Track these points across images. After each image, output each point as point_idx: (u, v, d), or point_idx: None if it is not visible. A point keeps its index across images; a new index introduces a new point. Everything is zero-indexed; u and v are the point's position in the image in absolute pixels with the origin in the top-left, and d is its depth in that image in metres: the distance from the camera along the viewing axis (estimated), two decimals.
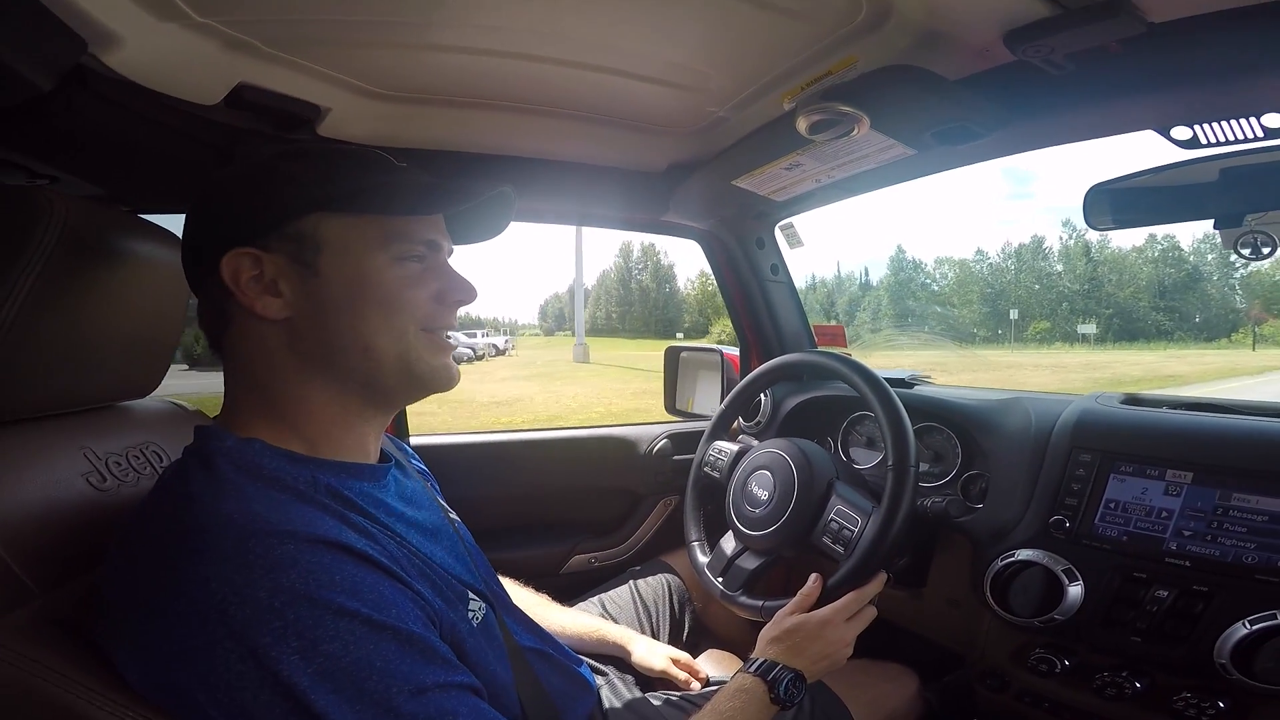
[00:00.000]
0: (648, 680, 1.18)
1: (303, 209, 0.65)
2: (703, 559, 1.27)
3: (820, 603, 0.98)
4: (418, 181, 0.70)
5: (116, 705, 0.52)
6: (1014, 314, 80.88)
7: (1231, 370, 29.06)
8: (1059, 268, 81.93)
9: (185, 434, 0.66)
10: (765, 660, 0.90)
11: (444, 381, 0.73)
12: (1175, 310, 74.02)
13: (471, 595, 0.73)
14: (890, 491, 0.99)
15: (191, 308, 0.74)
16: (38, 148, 0.92)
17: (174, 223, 0.79)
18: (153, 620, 0.52)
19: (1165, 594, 0.90)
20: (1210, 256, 73.66)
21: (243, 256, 0.64)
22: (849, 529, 1.04)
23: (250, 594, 0.50)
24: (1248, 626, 0.82)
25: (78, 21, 0.73)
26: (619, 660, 1.18)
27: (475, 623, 0.71)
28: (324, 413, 0.68)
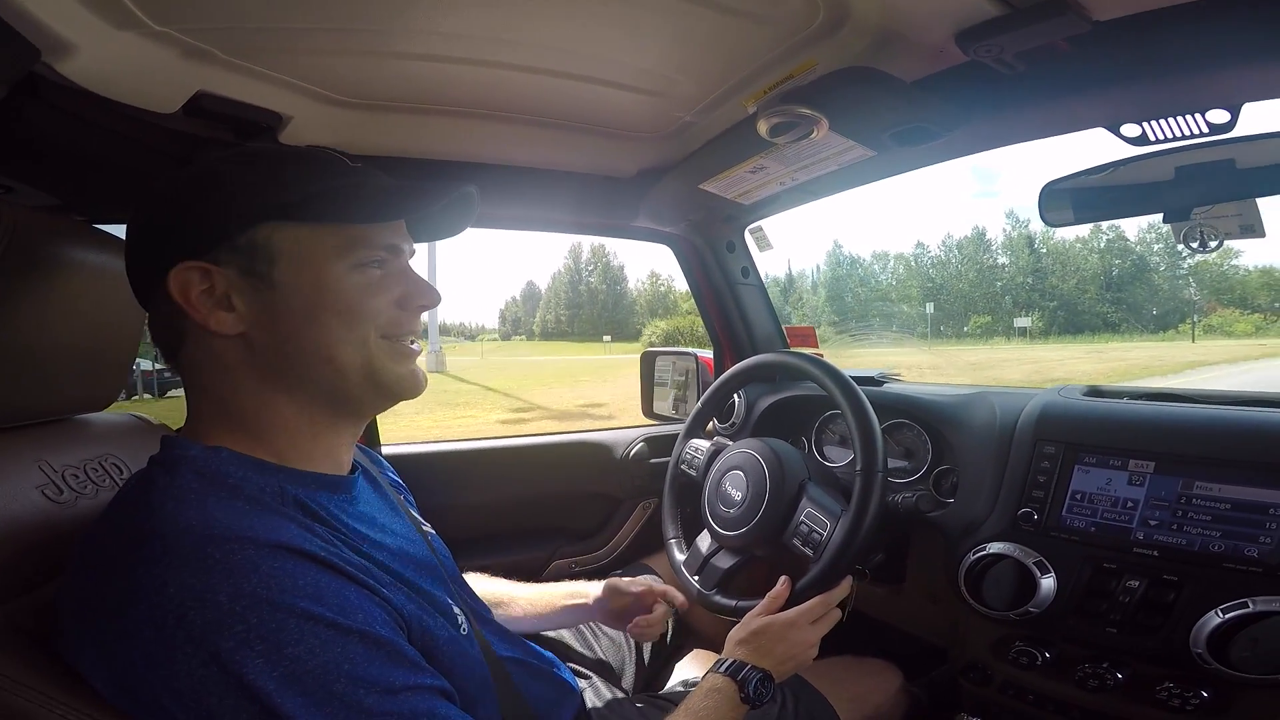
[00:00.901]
0: (634, 684, 1.19)
1: (253, 219, 0.63)
2: (679, 556, 1.28)
3: (788, 604, 0.99)
4: (376, 185, 0.68)
5: (79, 714, 0.51)
6: (930, 308, 78.61)
7: (1146, 369, 27.22)
8: (1003, 260, 79.46)
9: (146, 446, 0.65)
10: (734, 660, 0.90)
11: (410, 389, 0.71)
12: (1123, 302, 72.00)
13: (455, 609, 0.73)
14: (858, 495, 1.00)
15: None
16: None
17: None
18: (113, 627, 0.51)
19: (1136, 584, 0.91)
20: (1157, 247, 72.24)
21: (191, 271, 0.61)
22: (818, 532, 1.05)
23: (210, 598, 0.49)
24: (1220, 616, 0.83)
25: (30, 30, 0.71)
26: (602, 666, 1.18)
27: (464, 632, 0.71)
28: (290, 424, 0.66)
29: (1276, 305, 65.77)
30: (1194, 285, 70.64)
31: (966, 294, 78.58)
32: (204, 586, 0.50)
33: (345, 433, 0.72)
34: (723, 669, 0.89)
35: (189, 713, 0.49)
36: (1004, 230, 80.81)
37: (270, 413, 0.66)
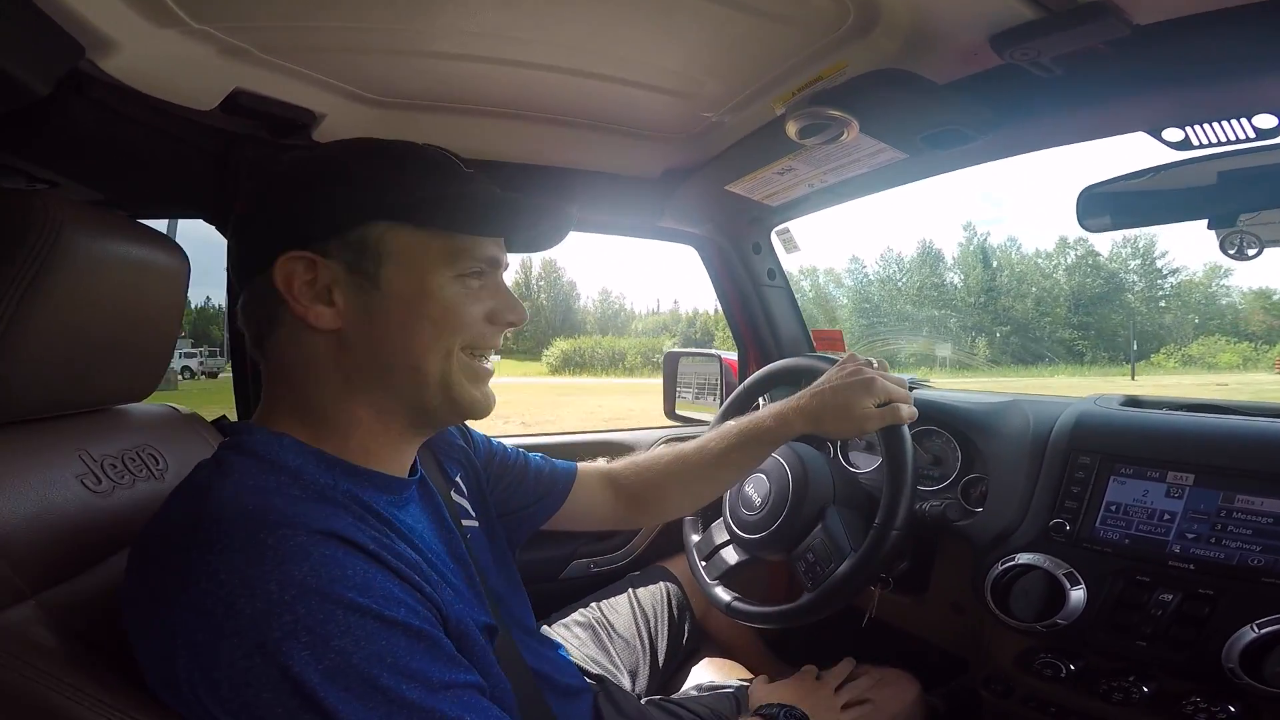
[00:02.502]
0: (647, 687, 1.19)
1: (369, 216, 0.63)
2: (694, 537, 1.32)
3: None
4: (489, 195, 0.68)
5: (106, 707, 0.52)
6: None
7: None
8: (953, 278, 62.69)
9: (182, 437, 0.66)
10: (762, 706, 0.98)
11: (481, 410, 0.71)
12: (1091, 327, 56.79)
13: (481, 617, 0.72)
14: (868, 546, 1.01)
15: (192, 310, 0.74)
16: (36, 152, 0.93)
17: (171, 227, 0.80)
18: (160, 613, 0.51)
19: (1170, 597, 0.89)
20: (1134, 264, 57.52)
21: (298, 260, 0.61)
22: (822, 565, 1.07)
23: (260, 587, 0.49)
24: (1256, 630, 0.81)
25: (75, 27, 0.73)
26: (616, 667, 1.19)
27: (487, 638, 0.70)
28: (362, 425, 0.66)
29: (1254, 333, 52.82)
30: (1174, 309, 56.93)
31: (909, 315, 62.65)
32: (255, 573, 0.49)
33: (414, 440, 0.72)
34: (749, 714, 0.98)
35: (226, 704, 0.48)
36: (959, 244, 64.32)
37: (346, 412, 0.65)
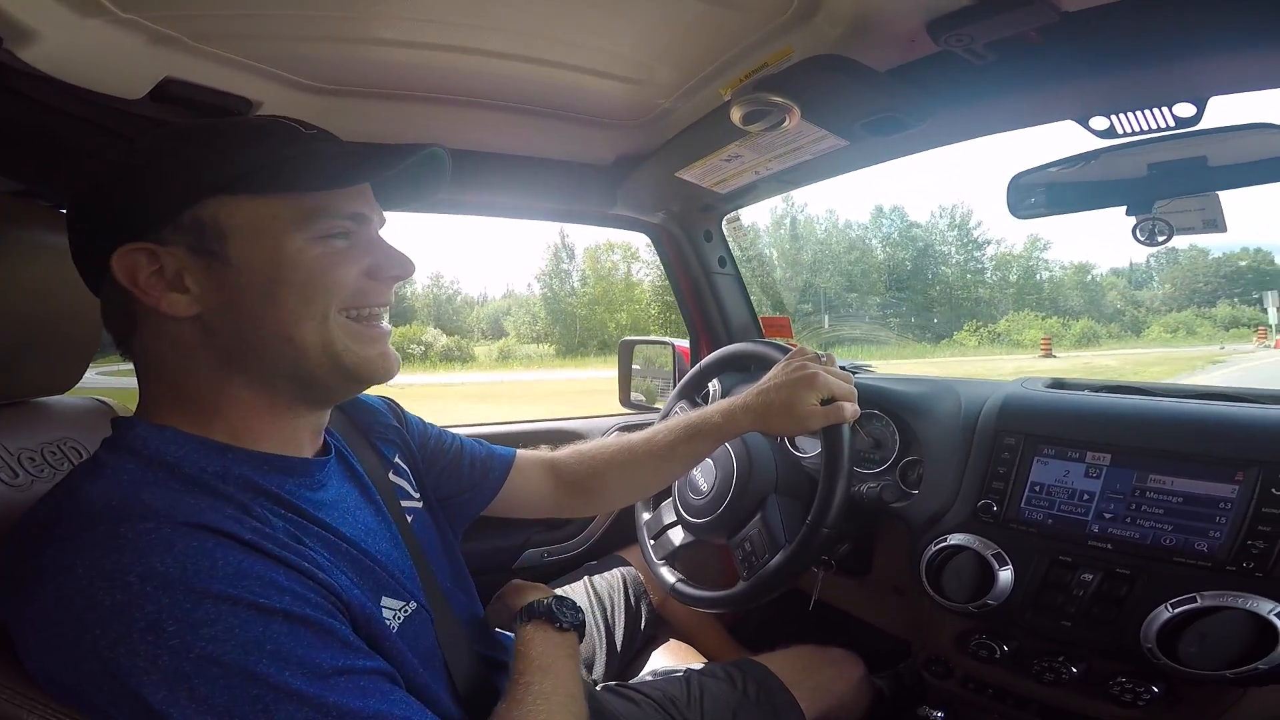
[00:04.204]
0: (604, 674, 1.21)
1: (195, 195, 0.60)
2: (645, 515, 1.35)
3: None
4: (329, 151, 0.65)
5: (29, 700, 0.52)
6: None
7: None
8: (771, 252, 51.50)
9: (107, 430, 0.65)
10: (522, 607, 0.85)
11: (379, 372, 0.68)
12: (902, 304, 50.30)
13: (398, 599, 0.70)
14: (797, 544, 1.03)
15: None
16: None
17: None
18: (23, 609, 0.50)
19: (1090, 577, 0.92)
20: (951, 234, 50.52)
21: (136, 253, 0.59)
22: (757, 556, 1.11)
23: (120, 579, 0.48)
24: (1170, 610, 0.82)
25: None
26: None
27: (394, 626, 0.67)
28: (246, 405, 0.64)
29: (1074, 310, 48.36)
30: (991, 283, 51.22)
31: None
32: (113, 566, 0.48)
33: (306, 416, 0.70)
34: (521, 621, 0.83)
35: (103, 695, 0.48)
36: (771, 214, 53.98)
37: (226, 394, 0.63)
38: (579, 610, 0.87)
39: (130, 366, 0.65)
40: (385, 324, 0.70)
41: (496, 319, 49.85)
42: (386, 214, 0.73)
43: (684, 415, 1.08)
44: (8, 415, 0.77)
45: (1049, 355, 36.31)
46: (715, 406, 1.05)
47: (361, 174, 0.65)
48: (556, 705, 0.70)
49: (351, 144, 0.67)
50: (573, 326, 44.48)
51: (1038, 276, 51.60)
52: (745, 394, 1.02)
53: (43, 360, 0.80)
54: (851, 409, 0.99)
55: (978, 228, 50.85)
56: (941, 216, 51.04)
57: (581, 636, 0.85)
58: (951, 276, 51.01)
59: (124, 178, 0.61)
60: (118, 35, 0.81)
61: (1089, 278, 51.60)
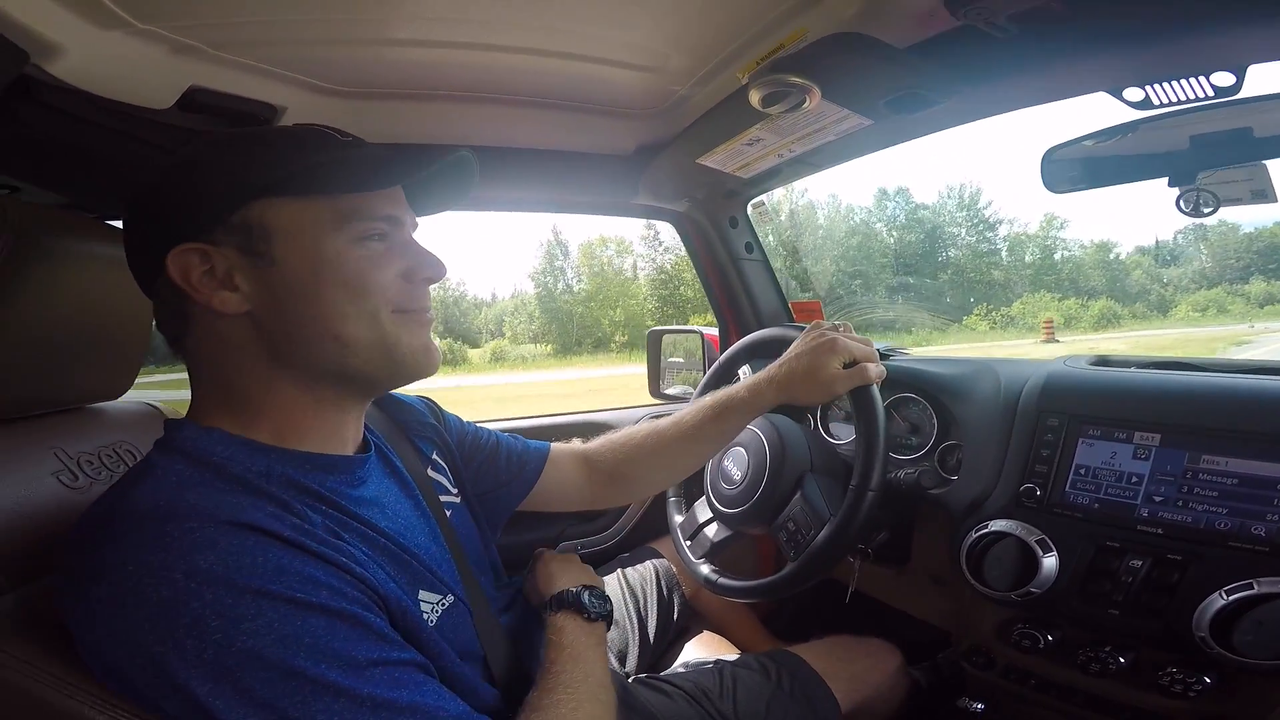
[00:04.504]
0: (637, 666, 1.21)
1: (244, 197, 0.63)
2: (677, 518, 1.32)
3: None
4: (364, 155, 0.68)
5: (85, 694, 0.54)
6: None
7: None
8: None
9: (158, 432, 0.67)
10: (553, 596, 0.86)
11: (427, 365, 0.71)
12: (912, 289, 46.90)
13: (436, 593, 0.72)
14: (845, 509, 1.00)
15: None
16: None
17: None
18: (82, 606, 0.53)
19: (1139, 564, 0.88)
20: (960, 214, 47.44)
21: (189, 253, 0.62)
22: (803, 533, 1.07)
23: (166, 575, 0.50)
24: (1224, 597, 0.80)
25: (16, 33, 0.73)
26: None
27: (431, 619, 0.69)
28: (292, 403, 0.67)
29: (1095, 290, 44.54)
30: (1005, 264, 48.22)
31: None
32: (161, 563, 0.51)
33: (353, 410, 0.73)
34: (550, 611, 0.85)
35: (153, 688, 0.51)
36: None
37: (273, 392, 0.66)
38: (607, 599, 0.88)
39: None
40: (430, 313, 0.73)
41: (502, 320, 49.61)
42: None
43: (710, 395, 1.08)
44: (66, 421, 0.80)
45: (1051, 340, 33.12)
46: (741, 384, 1.05)
47: (392, 175, 0.67)
48: (585, 694, 0.72)
49: (383, 148, 0.69)
50: (569, 325, 43.43)
51: (1056, 256, 48.93)
52: (769, 368, 1.04)
53: (96, 367, 0.83)
54: (876, 369, 1.01)
55: (988, 207, 48.54)
56: (950, 197, 48.51)
57: (609, 625, 0.87)
58: (962, 259, 48.77)
59: (177, 182, 0.64)
60: (139, 47, 0.83)
61: (1111, 256, 48.53)
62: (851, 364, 1.00)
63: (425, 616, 0.67)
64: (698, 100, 1.19)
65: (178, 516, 0.53)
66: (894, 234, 49.68)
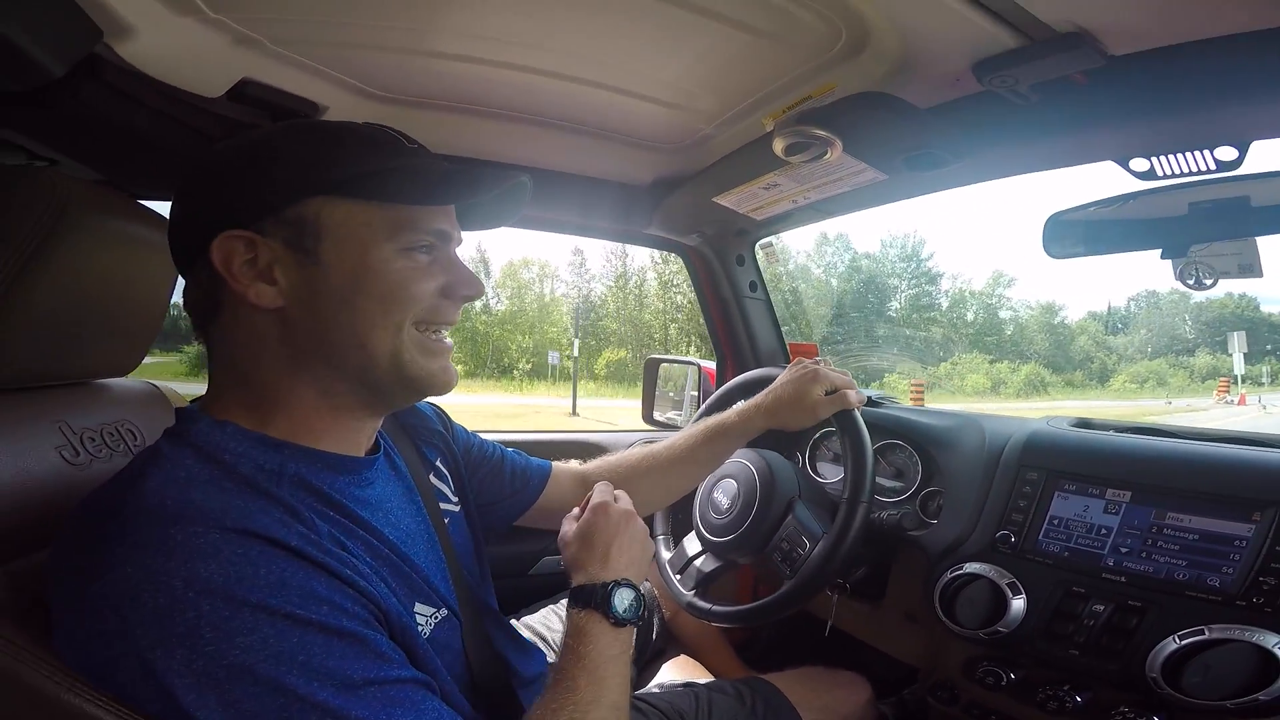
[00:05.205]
0: None
1: (304, 192, 0.62)
2: (665, 555, 1.33)
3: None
4: (430, 167, 0.67)
5: (64, 676, 0.52)
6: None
7: None
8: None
9: (160, 415, 0.67)
10: (581, 589, 0.77)
11: (439, 385, 0.70)
12: (839, 340, 37.87)
13: (431, 605, 0.70)
14: (840, 521, 1.05)
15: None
16: (40, 131, 0.95)
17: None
18: (74, 602, 0.52)
19: (1102, 608, 0.94)
20: (901, 265, 43.96)
21: (236, 240, 0.61)
22: (798, 551, 1.10)
23: (165, 582, 0.49)
24: (1177, 641, 0.85)
25: (97, 11, 0.75)
26: None
27: (425, 632, 0.68)
28: (310, 404, 0.66)
29: (1039, 354, 40.94)
30: (945, 321, 43.85)
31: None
32: (161, 569, 0.50)
33: (366, 420, 0.71)
34: (574, 606, 0.76)
35: (140, 692, 0.49)
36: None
37: (292, 391, 0.65)
38: (640, 599, 0.78)
39: None
40: (449, 340, 0.72)
41: None
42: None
43: (702, 421, 1.15)
44: (72, 395, 0.80)
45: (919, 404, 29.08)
46: (732, 409, 1.14)
47: (456, 194, 0.67)
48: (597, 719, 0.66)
49: (447, 164, 0.69)
50: (483, 346, 40.21)
51: (1000, 315, 45.13)
52: (758, 395, 1.13)
53: (107, 343, 0.82)
54: (855, 395, 1.10)
55: (930, 258, 45.52)
56: (891, 246, 44.33)
57: (639, 627, 0.78)
58: (899, 313, 44.62)
59: (241, 167, 0.64)
60: (206, 35, 0.86)
61: (1057, 320, 44.77)
62: (832, 391, 1.10)
63: (420, 629, 0.66)
64: (720, 141, 1.23)
65: (183, 519, 0.52)
66: (833, 281, 45.34)
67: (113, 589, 0.49)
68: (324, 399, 0.66)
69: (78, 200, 0.69)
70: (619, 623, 0.74)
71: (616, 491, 0.92)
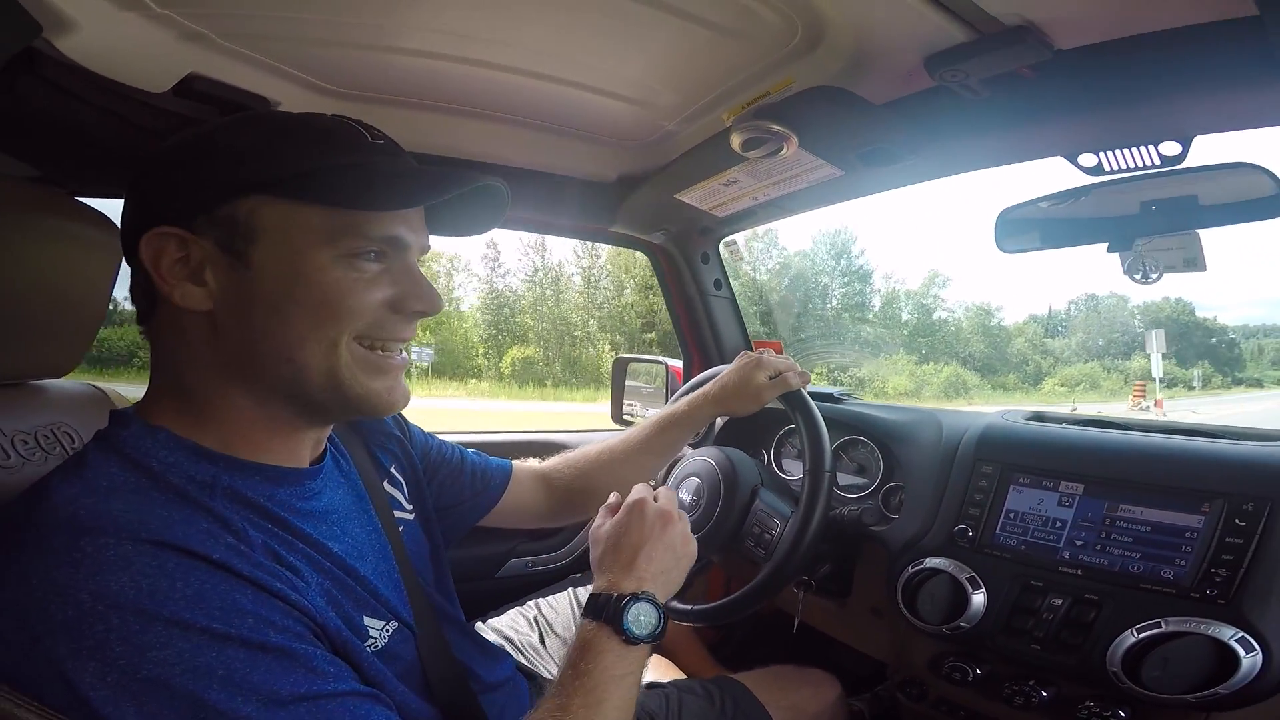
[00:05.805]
0: None
1: (236, 190, 0.58)
2: None
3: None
4: (380, 167, 0.62)
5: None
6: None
7: None
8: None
9: (100, 418, 0.64)
10: (596, 597, 0.72)
11: (383, 406, 0.66)
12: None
13: (380, 619, 0.67)
14: (806, 495, 1.05)
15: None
16: None
17: (111, 207, 0.78)
18: None
19: (1060, 602, 0.94)
20: (832, 263, 41.83)
21: (167, 237, 0.58)
22: (769, 533, 1.10)
23: (72, 595, 0.47)
24: (1135, 635, 0.85)
25: (35, 6, 0.72)
26: (545, 665, 1.20)
27: (375, 645, 0.65)
28: (244, 416, 0.62)
29: (971, 355, 39.87)
30: (878, 319, 42.59)
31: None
32: (67, 581, 0.47)
33: (307, 432, 0.68)
34: (585, 615, 0.72)
35: (53, 691, 0.46)
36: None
37: (225, 400, 0.62)
38: (658, 612, 0.71)
39: None
40: (401, 356, 0.68)
41: None
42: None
43: (655, 413, 1.18)
44: (5, 396, 0.78)
45: None
46: (682, 400, 1.18)
47: (408, 197, 0.63)
48: None
49: (407, 164, 0.65)
50: None
51: (934, 317, 43.51)
52: (706, 385, 1.17)
53: (43, 343, 0.80)
54: (797, 378, 1.13)
55: (860, 255, 44.36)
56: (821, 242, 42.46)
57: (657, 645, 0.72)
58: (828, 311, 43.07)
59: (176, 161, 0.61)
60: (151, 30, 0.83)
61: (993, 322, 43.53)
62: (775, 376, 1.14)
63: (369, 643, 0.64)
64: (682, 137, 1.23)
65: (95, 530, 0.49)
66: (761, 278, 42.18)
67: (21, 602, 0.47)
68: (259, 410, 0.63)
69: (11, 198, 0.67)
70: (631, 640, 0.68)
71: (659, 490, 0.87)
